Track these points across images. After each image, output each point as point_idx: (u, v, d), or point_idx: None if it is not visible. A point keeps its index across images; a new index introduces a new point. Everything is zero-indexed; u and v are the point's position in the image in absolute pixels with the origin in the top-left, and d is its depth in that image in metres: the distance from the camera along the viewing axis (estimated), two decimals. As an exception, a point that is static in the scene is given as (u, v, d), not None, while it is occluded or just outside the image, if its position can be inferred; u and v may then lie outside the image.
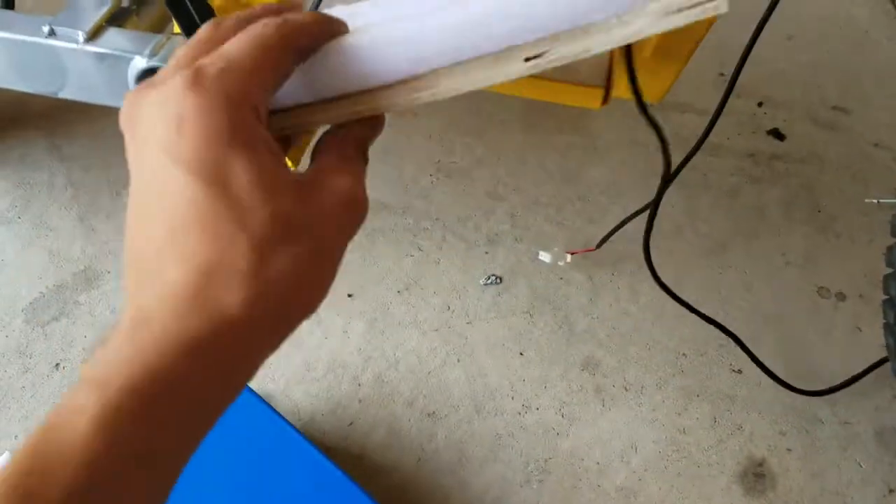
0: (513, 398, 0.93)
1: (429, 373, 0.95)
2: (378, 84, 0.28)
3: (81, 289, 1.02)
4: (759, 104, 1.30)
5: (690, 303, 0.90)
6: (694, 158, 1.05)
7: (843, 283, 1.05)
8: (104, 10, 0.76)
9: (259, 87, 0.25)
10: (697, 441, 0.90)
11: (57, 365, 0.94)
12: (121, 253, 1.06)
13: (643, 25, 0.26)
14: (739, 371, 0.96)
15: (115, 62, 0.74)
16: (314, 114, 0.30)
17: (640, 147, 1.23)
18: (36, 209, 1.11)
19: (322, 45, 0.28)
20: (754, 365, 0.94)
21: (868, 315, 1.01)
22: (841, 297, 1.04)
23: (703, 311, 0.90)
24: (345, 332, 0.98)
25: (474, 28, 0.26)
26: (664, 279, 0.89)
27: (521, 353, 0.97)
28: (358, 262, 1.06)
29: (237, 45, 0.25)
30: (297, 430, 0.78)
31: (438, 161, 1.19)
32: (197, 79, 0.24)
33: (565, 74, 0.71)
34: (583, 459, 0.88)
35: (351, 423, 0.90)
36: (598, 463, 0.88)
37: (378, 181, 1.15)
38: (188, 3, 0.65)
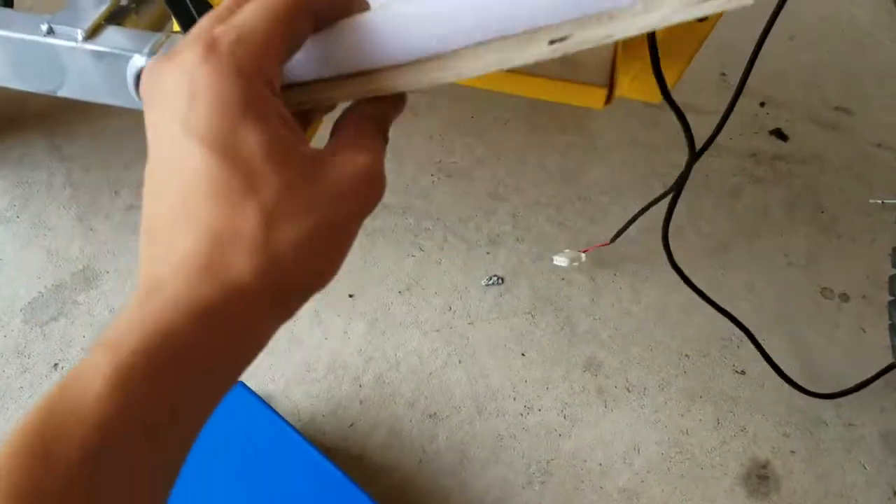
0: (514, 399, 0.92)
1: (430, 374, 0.94)
2: (399, 62, 0.28)
3: (80, 289, 1.01)
4: (762, 104, 1.29)
5: (692, 301, 0.89)
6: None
7: (847, 283, 1.04)
8: (103, 9, 0.76)
9: (271, 57, 0.25)
10: (700, 443, 0.89)
11: (55, 365, 0.94)
12: (120, 253, 1.06)
13: (669, 13, 0.25)
14: (743, 372, 0.95)
15: (114, 61, 0.73)
16: (333, 89, 0.29)
17: (640, 147, 1.22)
18: (35, 208, 1.10)
19: (337, 14, 0.28)
20: (758, 366, 0.94)
21: (872, 316, 1.01)
22: (844, 297, 1.03)
23: (706, 311, 0.89)
24: (345, 333, 0.98)
25: (499, 8, 0.26)
26: (665, 278, 0.89)
27: (522, 354, 0.96)
28: (359, 262, 1.05)
29: (250, 13, 0.25)
30: (298, 431, 0.78)
31: (439, 161, 1.18)
32: (210, 51, 0.24)
33: (568, 73, 0.70)
34: (585, 461, 0.87)
35: (351, 424, 0.89)
36: (600, 464, 0.87)
37: (379, 181, 1.14)
38: (188, 1, 0.64)
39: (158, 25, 0.82)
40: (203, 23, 0.26)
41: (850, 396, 0.91)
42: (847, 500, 0.85)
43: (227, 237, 0.24)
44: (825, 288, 1.04)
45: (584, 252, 1.03)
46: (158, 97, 0.25)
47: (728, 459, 0.88)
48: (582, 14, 0.25)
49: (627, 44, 0.75)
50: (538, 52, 0.26)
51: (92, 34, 0.74)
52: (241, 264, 0.23)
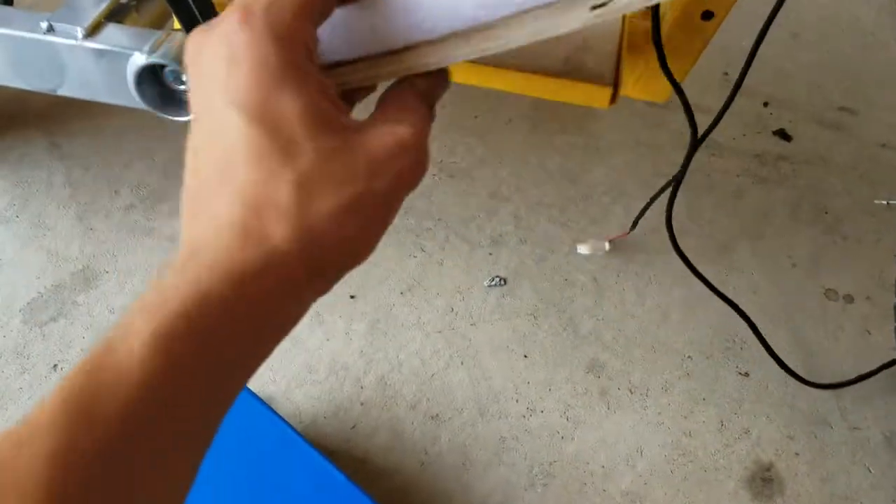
0: (517, 401, 0.92)
1: (432, 375, 0.94)
2: (441, 34, 0.27)
3: (80, 289, 1.01)
4: (765, 104, 1.29)
5: (695, 303, 0.89)
6: (698, 159, 1.04)
7: (851, 285, 1.04)
8: (103, 6, 0.75)
9: (304, 19, 0.25)
10: (704, 445, 0.89)
11: (55, 366, 0.93)
12: (119, 253, 1.05)
13: None
14: (746, 374, 0.94)
15: (115, 59, 0.73)
16: (375, 67, 0.29)
17: (642, 147, 1.22)
18: (34, 208, 1.10)
19: None
20: (762, 368, 0.93)
21: (877, 317, 1.00)
22: (849, 299, 1.02)
23: (710, 312, 0.89)
24: (347, 334, 0.97)
25: None
26: (669, 279, 0.88)
27: (525, 356, 0.96)
28: (360, 262, 1.04)
29: None
30: (299, 433, 0.77)
31: (440, 161, 1.18)
32: (245, 17, 0.24)
33: (573, 71, 0.70)
34: (588, 463, 0.87)
35: (353, 426, 0.89)
36: (603, 467, 0.87)
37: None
38: (189, -1, 0.64)
39: (159, 23, 0.82)
40: None
41: (855, 398, 0.91)
42: (852, 503, 0.85)
43: (263, 203, 0.24)
44: (829, 289, 1.04)
45: (608, 241, 1.02)
46: (199, 66, 0.25)
47: (732, 462, 0.87)
48: None
49: (632, 43, 0.75)
50: (583, 17, 0.26)
51: (92, 32, 0.74)
52: (278, 232, 0.23)
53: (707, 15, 0.65)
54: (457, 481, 0.85)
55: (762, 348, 0.95)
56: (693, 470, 0.87)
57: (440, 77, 0.30)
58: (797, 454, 0.88)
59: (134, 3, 0.80)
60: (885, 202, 1.13)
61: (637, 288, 1.03)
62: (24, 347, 0.94)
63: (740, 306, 0.88)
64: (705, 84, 1.30)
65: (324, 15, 0.27)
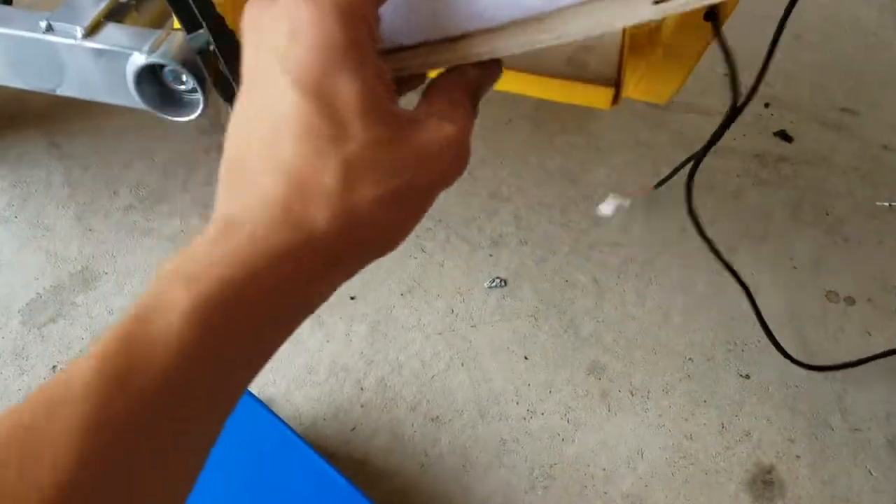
0: (518, 403, 0.91)
1: (432, 377, 0.93)
2: (500, 23, 0.27)
3: (79, 290, 1.00)
4: (766, 105, 1.28)
5: (696, 305, 0.88)
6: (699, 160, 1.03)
7: (852, 287, 1.03)
8: (103, 6, 0.75)
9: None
10: (705, 447, 0.88)
11: (54, 367, 0.93)
12: (119, 254, 1.05)
13: None
14: (747, 376, 0.94)
15: (114, 58, 0.73)
16: (431, 55, 0.29)
17: (643, 148, 1.21)
18: (33, 208, 1.09)
19: None
20: (763, 370, 0.93)
21: (878, 319, 1.00)
22: (850, 301, 1.02)
23: (711, 314, 0.89)
24: (347, 336, 0.97)
25: None
26: (669, 281, 0.88)
27: (525, 357, 0.95)
28: (360, 263, 1.04)
29: None
30: (298, 435, 0.77)
31: (442, 161, 1.17)
32: None
33: (575, 72, 0.69)
34: (588, 465, 0.87)
35: (353, 428, 0.88)
36: (604, 469, 0.86)
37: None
38: (189, -2, 0.63)
39: (159, 23, 0.81)
40: None
41: (856, 400, 0.90)
42: (853, 506, 0.84)
43: (309, 185, 0.23)
44: (830, 291, 1.03)
45: (629, 196, 0.99)
46: (257, 36, 0.25)
47: (733, 464, 0.87)
48: None
49: (634, 44, 0.74)
50: (644, 12, 0.25)
51: (91, 31, 0.73)
52: (320, 214, 0.23)
53: (710, 15, 0.65)
54: (457, 483, 0.84)
55: (763, 350, 0.95)
56: (694, 472, 0.86)
57: (491, 70, 0.29)
58: (798, 457, 0.88)
59: (133, 2, 0.79)
60: (886, 204, 1.13)
61: (638, 289, 1.03)
62: (23, 349, 0.94)
63: (740, 308, 0.88)
64: (706, 84, 1.29)
65: None
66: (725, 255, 1.07)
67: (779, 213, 1.13)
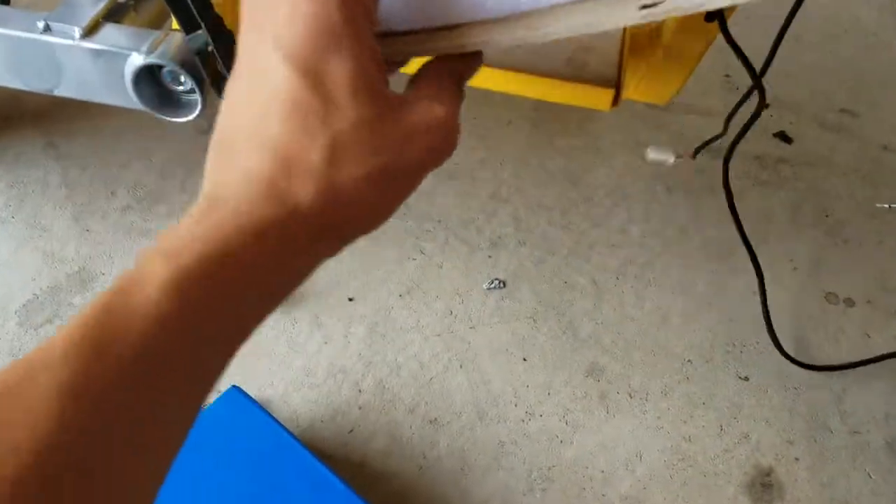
0: (516, 405, 0.91)
1: (431, 379, 0.93)
2: (491, 17, 0.28)
3: (76, 290, 1.00)
4: (766, 106, 1.28)
5: (695, 306, 0.88)
6: (699, 162, 1.03)
7: (852, 288, 1.03)
8: (101, 6, 0.74)
9: None
10: (704, 450, 0.88)
11: (51, 368, 0.92)
12: (116, 254, 1.05)
13: None
14: (746, 378, 0.94)
15: (112, 59, 0.72)
16: (427, 42, 0.29)
17: (643, 149, 1.21)
18: (30, 209, 1.09)
19: None
20: (762, 372, 0.93)
21: (877, 321, 1.00)
22: (849, 302, 1.02)
23: (710, 316, 0.88)
24: (345, 337, 0.96)
25: None
26: (668, 282, 0.87)
27: (524, 359, 0.95)
28: (359, 265, 1.04)
29: None
30: (296, 438, 0.76)
31: (441, 162, 1.17)
32: None
33: (575, 73, 0.69)
34: (587, 468, 0.86)
35: (351, 430, 0.88)
36: (602, 471, 0.86)
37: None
38: (187, -1, 0.63)
39: (157, 23, 0.81)
40: None
41: (856, 402, 0.90)
42: (852, 509, 0.84)
43: (295, 161, 0.24)
44: (830, 292, 1.03)
45: (675, 156, 0.97)
46: (255, 11, 0.25)
47: (731, 467, 0.87)
48: None
49: (634, 45, 0.74)
50: (630, 16, 0.26)
51: (89, 32, 0.73)
52: (305, 190, 0.24)
53: (712, 16, 0.64)
54: (455, 486, 0.84)
55: (762, 352, 0.95)
56: (692, 475, 0.86)
57: (473, 60, 0.30)
58: (797, 459, 0.88)
59: (132, 2, 0.79)
60: (886, 205, 1.13)
61: (637, 290, 1.02)
62: (20, 350, 0.94)
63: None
64: (707, 85, 1.29)
65: None
66: (725, 257, 1.07)
67: (779, 214, 1.13)
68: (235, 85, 0.26)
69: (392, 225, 1.08)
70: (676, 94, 0.80)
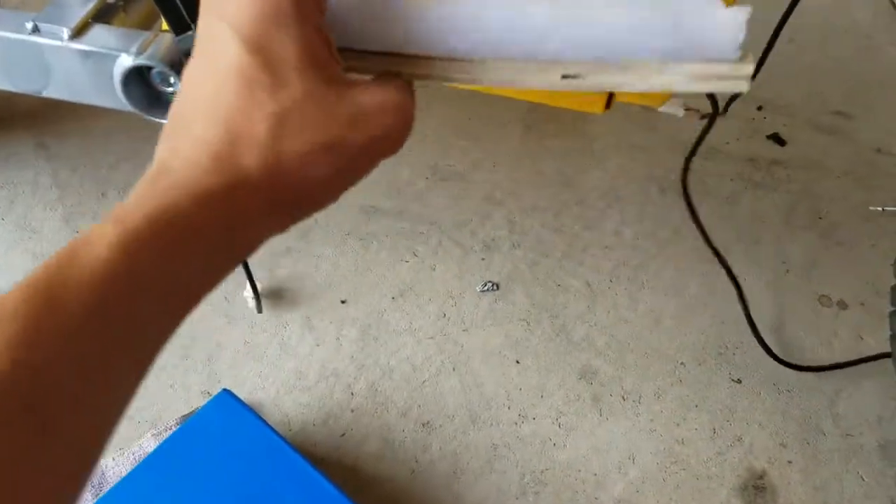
0: (509, 408, 0.91)
1: (423, 382, 0.93)
2: (436, 54, 0.30)
3: (66, 292, 0.99)
4: (759, 108, 1.28)
5: (688, 308, 0.88)
6: (692, 163, 1.03)
7: (845, 291, 1.03)
8: (90, 7, 0.74)
9: None
10: (696, 452, 0.88)
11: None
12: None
13: (675, 81, 0.28)
14: (739, 381, 0.94)
15: (101, 60, 0.72)
16: (393, 65, 0.30)
17: (638, 151, 1.21)
18: (20, 210, 1.08)
19: None
20: (755, 375, 0.93)
21: (870, 324, 1.00)
22: (842, 305, 1.02)
23: (703, 318, 0.88)
24: (337, 340, 0.96)
25: (537, 36, 0.28)
26: (661, 284, 0.87)
27: (517, 362, 0.95)
28: (351, 267, 1.03)
29: None
30: (287, 442, 0.76)
31: (434, 164, 1.17)
32: None
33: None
34: (580, 471, 0.86)
35: (343, 434, 0.88)
36: (595, 474, 0.86)
37: (372, 184, 1.13)
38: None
39: (147, 24, 0.80)
40: None
41: (849, 405, 0.90)
42: (845, 512, 0.84)
43: (243, 133, 0.25)
44: (823, 295, 1.03)
45: (684, 109, 0.97)
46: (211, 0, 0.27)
47: (724, 470, 0.87)
48: (601, 57, 0.28)
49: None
50: (551, 81, 0.28)
51: (78, 33, 0.72)
52: (249, 161, 0.25)
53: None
54: (448, 490, 0.84)
55: (755, 355, 0.94)
56: (685, 478, 0.86)
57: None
58: (790, 462, 0.88)
59: (121, 3, 0.78)
60: (880, 208, 1.13)
61: (630, 293, 1.02)
62: (9, 352, 0.93)
63: (732, 311, 0.87)
64: (700, 87, 1.29)
65: None
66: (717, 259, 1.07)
67: (772, 216, 1.13)
68: (193, 63, 0.27)
69: (385, 227, 1.08)
70: (670, 97, 0.80)
